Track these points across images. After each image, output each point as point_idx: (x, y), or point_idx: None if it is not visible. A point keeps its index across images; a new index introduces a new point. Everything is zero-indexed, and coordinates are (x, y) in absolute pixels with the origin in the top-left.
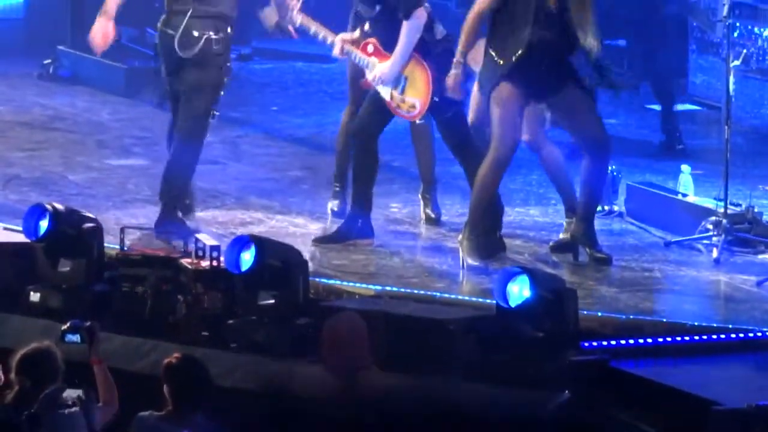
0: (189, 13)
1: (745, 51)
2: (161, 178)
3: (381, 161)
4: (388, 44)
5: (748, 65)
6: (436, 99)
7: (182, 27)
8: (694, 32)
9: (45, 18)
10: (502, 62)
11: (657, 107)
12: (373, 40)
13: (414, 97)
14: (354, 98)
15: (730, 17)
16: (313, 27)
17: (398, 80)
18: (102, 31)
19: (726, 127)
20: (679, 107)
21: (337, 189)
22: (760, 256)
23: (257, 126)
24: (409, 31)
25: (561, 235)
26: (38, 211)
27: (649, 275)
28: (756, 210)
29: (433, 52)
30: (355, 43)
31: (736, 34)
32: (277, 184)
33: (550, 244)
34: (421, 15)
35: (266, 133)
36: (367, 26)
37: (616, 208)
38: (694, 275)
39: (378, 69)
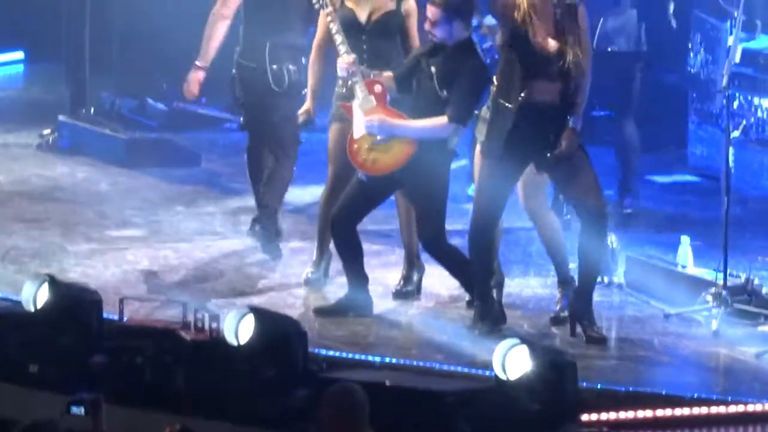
0: (268, 46)
1: (744, 122)
2: (267, 190)
3: (379, 231)
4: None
5: (748, 136)
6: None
7: (268, 60)
8: (693, 103)
9: (44, 87)
10: (510, 105)
11: (657, 178)
12: (382, 82)
13: (382, 157)
14: (334, 173)
15: (730, 88)
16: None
17: (384, 137)
18: (198, 79)
19: (725, 198)
20: (679, 178)
21: (314, 258)
22: (760, 328)
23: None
24: (436, 127)
25: (557, 307)
26: (38, 282)
27: (649, 347)
28: (755, 282)
29: None
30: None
31: (735, 105)
32: (276, 255)
33: (550, 315)
34: (454, 130)
35: None
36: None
37: (615, 279)
38: (693, 347)
39: (377, 115)
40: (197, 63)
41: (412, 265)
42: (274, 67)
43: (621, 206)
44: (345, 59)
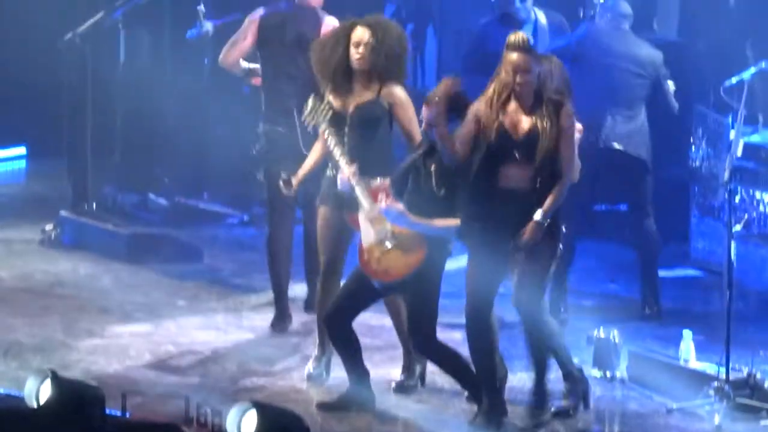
0: (295, 112)
1: (746, 216)
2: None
3: (385, 325)
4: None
5: (750, 230)
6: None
7: (299, 126)
8: (695, 197)
9: (46, 183)
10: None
11: (659, 272)
12: (385, 189)
13: (394, 265)
14: (326, 261)
15: (732, 182)
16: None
17: (391, 238)
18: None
19: (727, 293)
20: (680, 273)
21: (316, 353)
22: (763, 422)
23: (260, 293)
24: (446, 227)
25: (563, 402)
26: (40, 378)
27: None
28: (758, 376)
29: None
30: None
31: (737, 199)
32: (279, 350)
33: (552, 410)
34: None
35: (268, 299)
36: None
37: (618, 373)
38: None
39: (397, 205)
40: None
41: (412, 356)
42: (303, 131)
43: (646, 306)
44: (347, 171)
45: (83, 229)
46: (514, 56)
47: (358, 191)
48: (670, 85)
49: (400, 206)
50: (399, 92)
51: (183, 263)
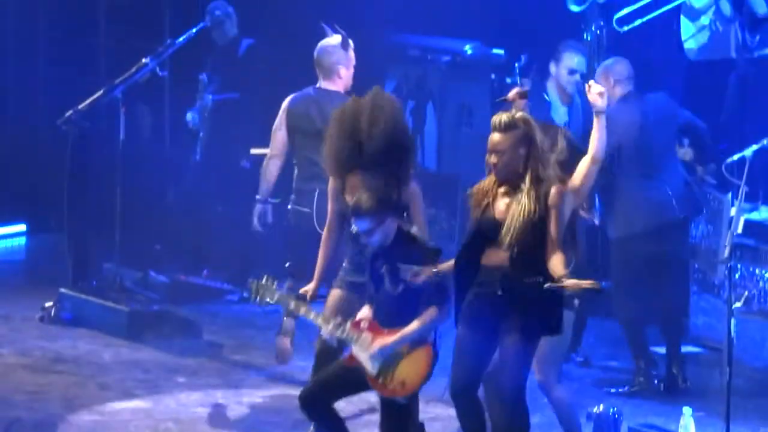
0: (317, 192)
1: (746, 293)
2: None
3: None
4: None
5: (750, 307)
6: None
7: (315, 204)
8: (695, 273)
9: (46, 259)
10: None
11: (659, 349)
12: (364, 317)
13: (409, 377)
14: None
15: (732, 259)
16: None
17: (395, 356)
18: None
19: (727, 369)
20: (682, 349)
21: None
22: None
23: (259, 369)
24: (433, 319)
25: None
26: None
27: None
28: None
29: None
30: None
31: (737, 276)
32: (279, 427)
33: None
34: (447, 311)
35: (268, 376)
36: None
37: None
38: None
39: (377, 343)
40: (257, 197)
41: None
42: (320, 210)
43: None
44: (326, 330)
45: (83, 306)
46: (491, 136)
47: (344, 338)
48: None
49: (379, 342)
50: (415, 189)
51: (183, 340)
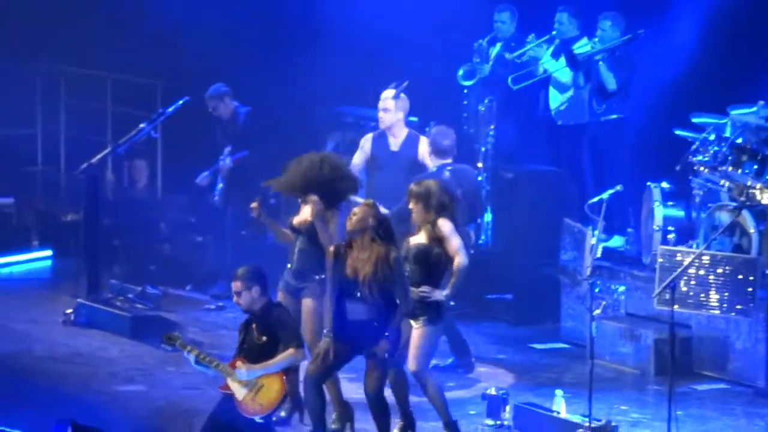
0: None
1: (604, 302)
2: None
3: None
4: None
5: (606, 313)
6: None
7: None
8: (564, 287)
9: (67, 277)
10: None
11: (537, 345)
12: (238, 359)
13: (266, 400)
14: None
15: (592, 276)
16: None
17: (255, 383)
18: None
19: (590, 361)
20: (554, 345)
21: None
22: None
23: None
24: (289, 358)
25: None
26: (61, 426)
27: None
28: (613, 424)
29: None
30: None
31: (597, 290)
32: None
33: None
34: (301, 355)
35: None
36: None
37: (506, 422)
38: None
39: (244, 368)
40: None
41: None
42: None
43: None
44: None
45: (96, 313)
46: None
47: (222, 370)
48: None
49: (245, 368)
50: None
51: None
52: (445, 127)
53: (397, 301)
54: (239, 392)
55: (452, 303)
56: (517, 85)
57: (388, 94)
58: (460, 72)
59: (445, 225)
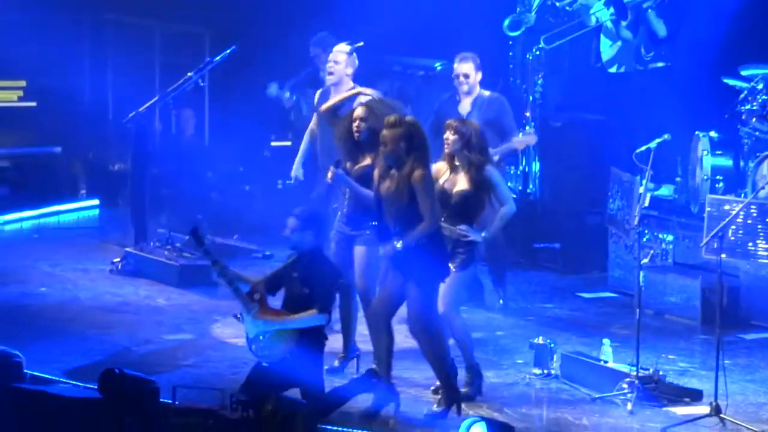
0: None
1: (651, 252)
2: None
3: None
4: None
5: (654, 262)
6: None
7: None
8: (612, 237)
9: (114, 226)
10: None
11: (585, 294)
12: (258, 290)
13: (274, 349)
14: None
15: (640, 226)
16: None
17: (267, 330)
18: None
19: (637, 310)
20: (601, 294)
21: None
22: (664, 408)
23: None
24: (310, 318)
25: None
26: (109, 374)
27: (579, 423)
28: (660, 373)
29: None
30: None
31: (645, 239)
32: None
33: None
34: (324, 318)
35: None
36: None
37: (553, 371)
38: (613, 424)
39: (259, 315)
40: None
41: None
42: None
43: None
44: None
45: (143, 262)
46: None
47: (241, 304)
48: None
49: (260, 315)
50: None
51: (217, 288)
52: None
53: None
54: (250, 329)
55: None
56: (549, 44)
57: (342, 47)
58: (506, 23)
59: (494, 173)
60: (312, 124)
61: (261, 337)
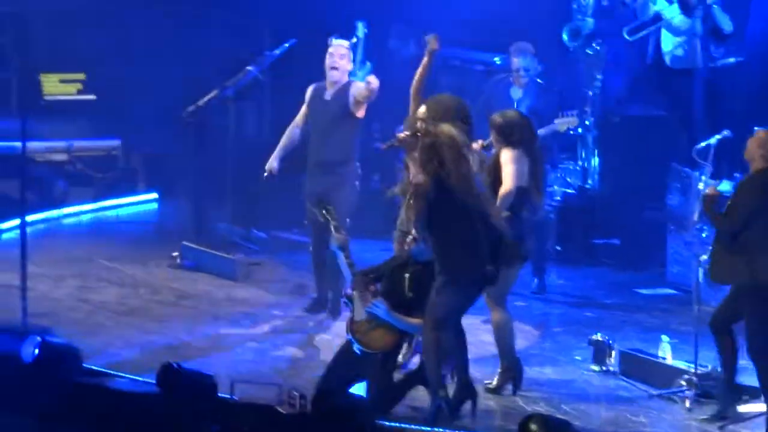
0: None
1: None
2: None
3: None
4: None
5: None
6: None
7: None
8: (671, 233)
9: (173, 221)
10: None
11: (643, 291)
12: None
13: (375, 339)
14: None
15: (699, 222)
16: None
17: (372, 321)
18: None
19: (696, 307)
20: (660, 291)
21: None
22: None
23: (336, 305)
24: (416, 324)
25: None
26: (167, 369)
27: (637, 420)
28: (719, 370)
29: None
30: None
31: (704, 235)
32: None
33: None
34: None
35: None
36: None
37: (611, 368)
38: (671, 420)
39: (380, 308)
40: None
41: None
42: None
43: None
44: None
45: (201, 256)
46: None
47: (356, 294)
48: None
49: (385, 306)
50: None
51: (277, 282)
52: None
53: None
54: (358, 312)
55: (558, 248)
56: (633, 36)
57: (344, 42)
58: (565, 35)
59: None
60: (298, 119)
61: (367, 325)
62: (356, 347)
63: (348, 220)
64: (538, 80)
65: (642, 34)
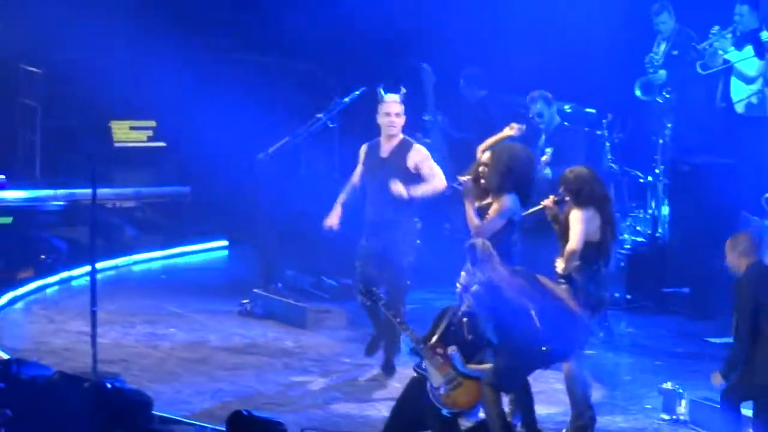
0: None
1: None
2: None
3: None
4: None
5: None
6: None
7: None
8: None
9: (242, 267)
10: None
11: (713, 339)
12: (442, 347)
13: (459, 398)
14: None
15: None
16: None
17: (453, 381)
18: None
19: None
20: (729, 340)
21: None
22: None
23: (403, 353)
24: (485, 371)
25: None
26: (238, 416)
27: None
28: None
29: None
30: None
31: None
32: None
33: None
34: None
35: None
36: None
37: (681, 417)
38: None
39: (458, 360)
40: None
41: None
42: None
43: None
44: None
45: (271, 303)
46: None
47: (428, 362)
48: None
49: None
50: None
51: (347, 330)
52: None
53: None
54: (435, 379)
55: (629, 296)
56: (706, 70)
57: (396, 98)
58: (638, 91)
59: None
60: (355, 177)
61: (450, 386)
62: (445, 412)
63: (408, 282)
64: (565, 123)
65: (714, 70)
